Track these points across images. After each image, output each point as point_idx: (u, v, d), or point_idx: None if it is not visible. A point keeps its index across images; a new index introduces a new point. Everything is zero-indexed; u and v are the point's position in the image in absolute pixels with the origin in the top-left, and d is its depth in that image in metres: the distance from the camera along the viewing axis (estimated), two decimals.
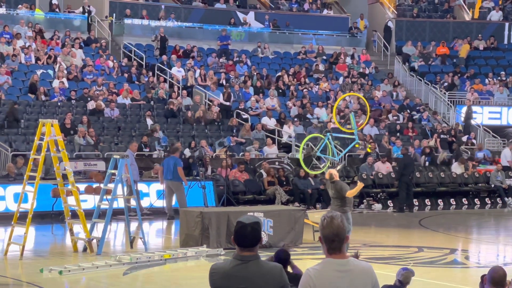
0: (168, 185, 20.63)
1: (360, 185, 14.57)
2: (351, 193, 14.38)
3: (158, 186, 22.10)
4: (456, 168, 27.07)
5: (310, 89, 31.61)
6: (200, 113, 27.47)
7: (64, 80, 27.65)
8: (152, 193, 22.32)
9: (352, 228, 14.88)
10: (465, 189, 26.79)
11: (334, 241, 4.94)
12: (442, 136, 29.33)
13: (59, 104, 26.42)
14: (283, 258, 8.48)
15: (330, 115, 29.23)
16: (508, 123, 32.81)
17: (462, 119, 32.04)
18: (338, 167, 16.00)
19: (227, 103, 28.64)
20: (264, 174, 24.20)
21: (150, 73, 29.84)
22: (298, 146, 26.85)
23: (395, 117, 30.57)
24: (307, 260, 14.44)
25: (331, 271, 4.94)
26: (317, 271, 4.95)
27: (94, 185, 18.40)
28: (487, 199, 26.88)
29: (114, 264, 14.17)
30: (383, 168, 25.64)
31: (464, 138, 30.29)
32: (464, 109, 32.11)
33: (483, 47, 36.99)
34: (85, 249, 15.50)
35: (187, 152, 24.38)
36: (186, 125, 27.12)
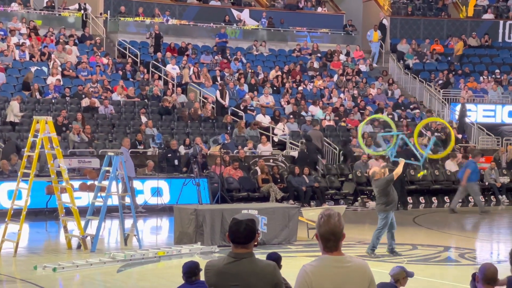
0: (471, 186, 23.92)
1: (401, 162, 15.61)
2: (397, 172, 15.19)
3: (152, 183, 22.09)
4: (450, 166, 27.08)
5: (304, 86, 31.59)
6: (192, 110, 27.43)
7: (59, 77, 27.59)
8: (146, 191, 22.29)
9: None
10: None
11: (330, 240, 4.94)
12: (436, 134, 29.33)
13: (53, 101, 26.37)
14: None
15: (326, 113, 29.23)
16: (502, 121, 32.84)
17: (457, 117, 32.06)
18: (384, 164, 16.25)
19: (224, 102, 28.51)
20: (259, 171, 24.19)
21: (145, 70, 29.78)
22: (293, 144, 26.86)
23: (390, 115, 30.54)
24: (301, 258, 14.45)
25: (328, 267, 4.93)
26: (313, 267, 4.94)
27: (88, 182, 18.40)
28: (481, 197, 26.86)
29: (108, 261, 14.16)
30: (377, 166, 25.60)
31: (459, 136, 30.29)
32: (459, 107, 32.13)
33: (476, 44, 37.04)
34: (79, 246, 15.49)
35: (182, 150, 24.37)
36: (181, 122, 27.08)
